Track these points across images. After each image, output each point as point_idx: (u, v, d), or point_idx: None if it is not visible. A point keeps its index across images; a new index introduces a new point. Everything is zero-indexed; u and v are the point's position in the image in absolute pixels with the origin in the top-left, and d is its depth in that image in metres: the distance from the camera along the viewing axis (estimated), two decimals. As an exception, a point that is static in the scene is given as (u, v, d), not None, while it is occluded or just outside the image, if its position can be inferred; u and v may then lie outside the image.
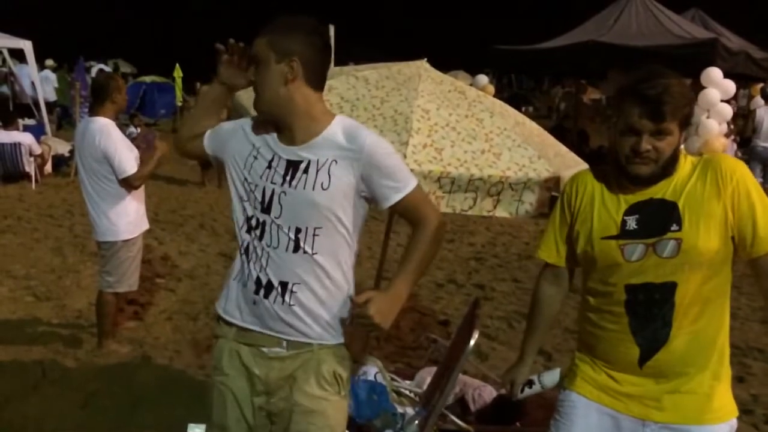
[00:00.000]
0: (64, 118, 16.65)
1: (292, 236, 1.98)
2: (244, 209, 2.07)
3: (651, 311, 1.97)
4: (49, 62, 18.37)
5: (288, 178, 1.98)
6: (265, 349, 2.06)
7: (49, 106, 13.64)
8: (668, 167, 1.94)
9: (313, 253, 1.99)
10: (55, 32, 27.67)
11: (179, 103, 17.97)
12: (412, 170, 2.77)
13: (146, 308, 5.30)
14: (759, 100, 11.26)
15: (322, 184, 1.95)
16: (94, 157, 4.11)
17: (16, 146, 9.85)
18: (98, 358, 4.37)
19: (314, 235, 1.98)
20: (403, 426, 3.09)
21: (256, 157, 2.04)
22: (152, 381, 4.09)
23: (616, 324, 2.03)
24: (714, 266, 1.94)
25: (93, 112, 4.31)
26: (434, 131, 3.05)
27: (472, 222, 8.47)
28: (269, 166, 2.01)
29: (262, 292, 2.02)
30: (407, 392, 3.61)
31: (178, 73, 17.81)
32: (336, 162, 1.96)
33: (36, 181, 10.14)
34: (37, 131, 11.65)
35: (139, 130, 12.55)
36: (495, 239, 8.10)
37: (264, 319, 2.05)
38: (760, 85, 12.23)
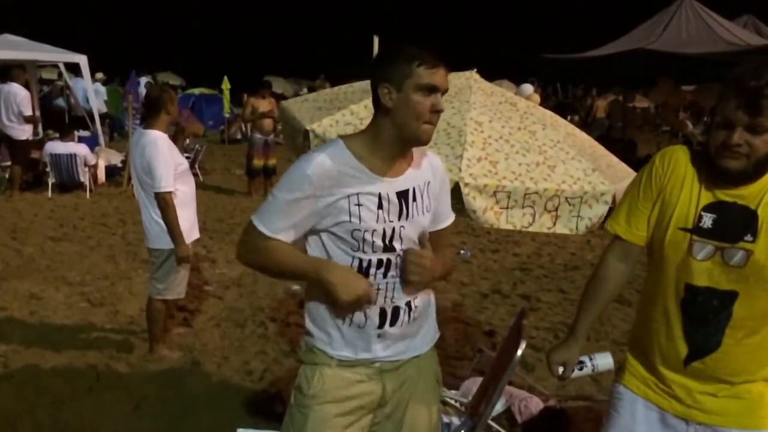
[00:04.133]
0: (116, 130, 17.14)
1: None
2: (355, 258, 1.98)
3: (706, 316, 1.91)
4: (99, 75, 18.90)
5: (404, 211, 1.98)
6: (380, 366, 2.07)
7: (101, 117, 14.04)
8: (762, 167, 1.81)
9: None
10: (105, 46, 28.56)
11: (227, 115, 18.39)
12: (467, 184, 2.84)
13: (195, 315, 5.41)
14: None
15: (427, 207, 2.04)
16: (143, 168, 4.21)
17: (72, 157, 10.15)
18: (150, 363, 4.48)
19: None
20: (449, 435, 3.09)
21: (359, 204, 1.93)
22: (202, 386, 4.16)
23: (668, 320, 1.98)
24: None
25: (147, 123, 4.37)
26: (488, 144, 3.05)
27: (518, 232, 8.37)
28: (380, 206, 1.94)
29: (387, 323, 2.02)
30: (453, 402, 3.60)
31: (225, 85, 18.20)
32: (429, 183, 2.06)
33: (90, 190, 10.44)
34: (91, 142, 11.99)
35: (188, 141, 12.86)
36: (540, 249, 8.02)
37: (383, 347, 2.05)
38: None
